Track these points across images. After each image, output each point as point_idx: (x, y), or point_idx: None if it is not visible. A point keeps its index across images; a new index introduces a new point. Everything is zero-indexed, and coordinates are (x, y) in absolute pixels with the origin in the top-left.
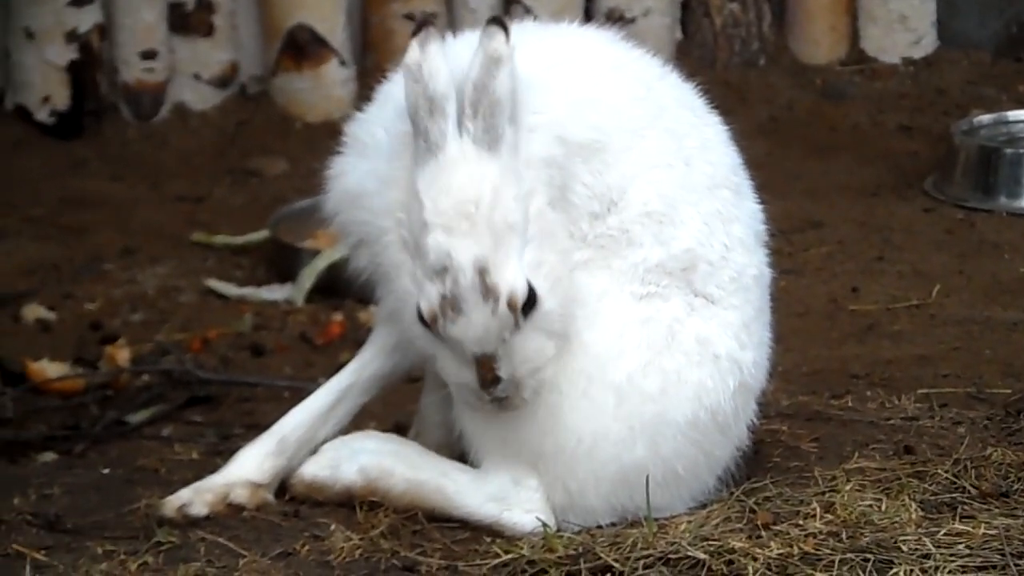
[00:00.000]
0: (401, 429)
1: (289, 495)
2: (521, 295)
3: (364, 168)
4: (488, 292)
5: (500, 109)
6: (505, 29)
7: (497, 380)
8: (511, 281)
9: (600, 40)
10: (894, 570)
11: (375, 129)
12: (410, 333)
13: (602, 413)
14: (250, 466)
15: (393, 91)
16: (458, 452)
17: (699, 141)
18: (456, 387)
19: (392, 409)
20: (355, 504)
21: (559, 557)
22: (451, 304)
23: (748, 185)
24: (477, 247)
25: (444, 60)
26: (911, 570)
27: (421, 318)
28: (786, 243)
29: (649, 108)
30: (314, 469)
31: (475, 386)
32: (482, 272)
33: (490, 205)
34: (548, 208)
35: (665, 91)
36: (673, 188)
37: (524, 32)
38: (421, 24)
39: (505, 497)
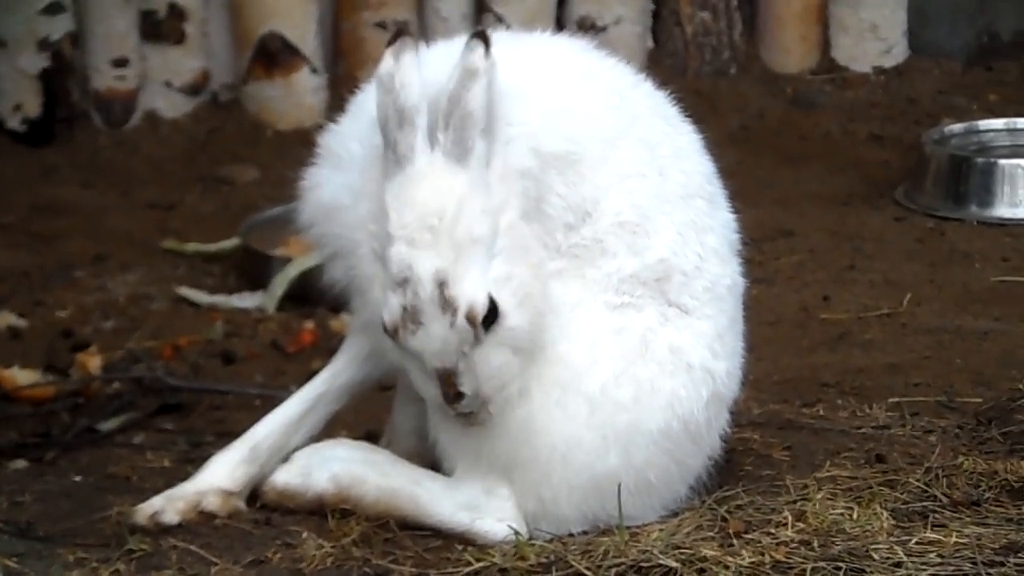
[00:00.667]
0: (373, 437)
1: (261, 503)
2: (480, 309)
3: (338, 181)
4: (447, 305)
5: (472, 122)
6: (487, 43)
7: (460, 395)
8: (470, 294)
9: (572, 49)
10: None
11: (349, 142)
12: (382, 344)
13: (575, 422)
14: (222, 474)
15: (366, 103)
16: (430, 460)
17: (672, 150)
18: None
19: (364, 417)
20: (327, 512)
21: (531, 565)
22: (411, 316)
23: (721, 194)
24: (438, 260)
25: (417, 71)
26: None
27: (385, 328)
28: (757, 252)
29: (622, 117)
30: (286, 477)
31: (439, 400)
32: (441, 285)
33: (453, 219)
34: (521, 222)
35: (638, 100)
36: (647, 198)
37: (497, 41)
38: (397, 34)
39: (477, 506)
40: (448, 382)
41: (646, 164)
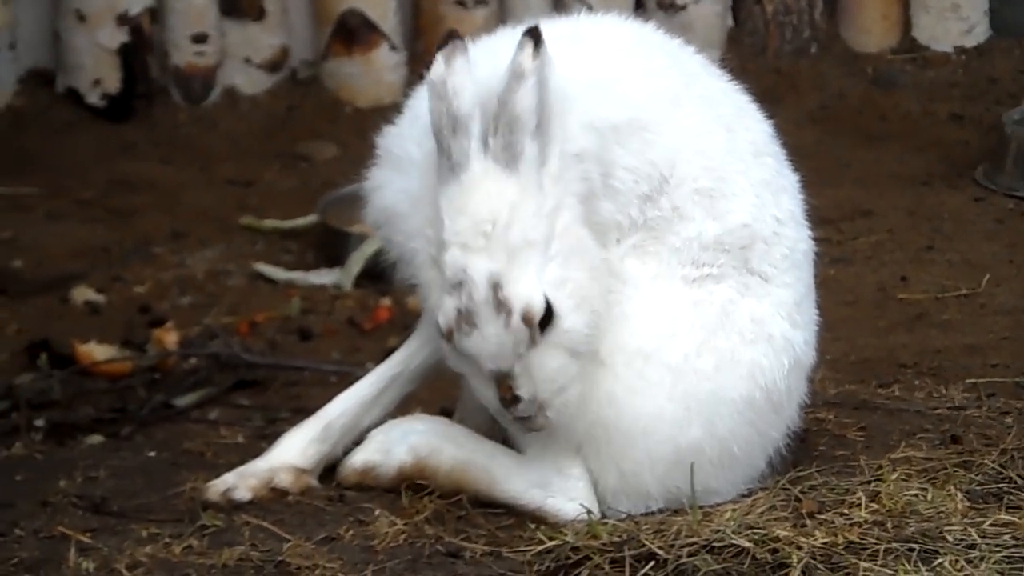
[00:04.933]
0: (447, 415)
1: (339, 483)
2: (537, 309)
3: (398, 184)
4: (501, 306)
5: (520, 126)
6: (537, 41)
7: (517, 399)
8: (525, 295)
9: (613, 23)
10: (939, 560)
11: (408, 144)
12: (441, 350)
13: (658, 393)
14: (294, 451)
15: (422, 106)
16: (501, 438)
17: (734, 107)
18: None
19: (439, 395)
20: (400, 489)
21: (603, 544)
22: (466, 318)
23: (784, 156)
24: (491, 263)
25: (470, 76)
26: (956, 560)
27: (440, 332)
28: (836, 231)
29: (679, 76)
30: (365, 455)
31: (497, 405)
32: (496, 287)
33: (506, 223)
34: (577, 224)
35: (689, 60)
36: (719, 157)
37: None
38: (447, 37)
39: (548, 484)
40: (504, 385)
41: (712, 121)
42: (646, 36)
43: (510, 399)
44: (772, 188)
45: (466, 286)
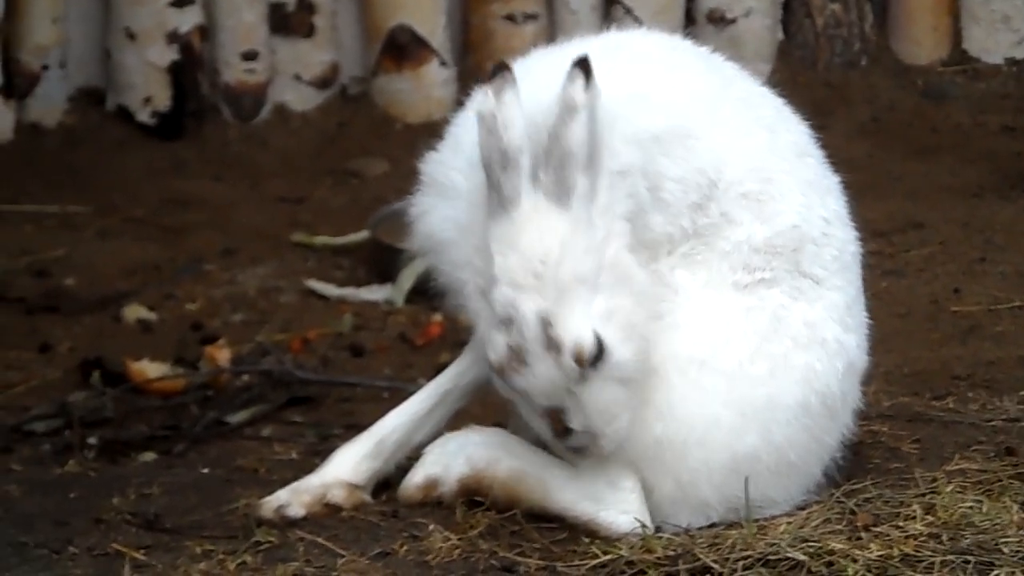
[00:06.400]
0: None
1: (401, 503)
2: (588, 348)
3: (444, 212)
4: (551, 344)
5: (572, 160)
6: (587, 72)
7: (569, 431)
8: (576, 334)
9: (643, 35)
10: (995, 572)
11: (452, 173)
12: (491, 379)
13: (713, 400)
14: (347, 467)
15: (464, 135)
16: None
17: (773, 108)
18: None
19: (490, 411)
20: (454, 504)
21: (658, 558)
22: (516, 355)
23: (824, 158)
24: (542, 300)
25: (519, 109)
26: (1012, 572)
27: (491, 366)
28: (887, 244)
29: (715, 80)
30: (424, 471)
31: (550, 436)
32: (546, 325)
33: (557, 261)
34: (624, 251)
35: (723, 66)
36: (764, 156)
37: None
38: (497, 69)
39: (601, 497)
40: (556, 419)
41: (752, 123)
42: (677, 46)
43: (562, 431)
44: (818, 188)
45: (516, 323)
